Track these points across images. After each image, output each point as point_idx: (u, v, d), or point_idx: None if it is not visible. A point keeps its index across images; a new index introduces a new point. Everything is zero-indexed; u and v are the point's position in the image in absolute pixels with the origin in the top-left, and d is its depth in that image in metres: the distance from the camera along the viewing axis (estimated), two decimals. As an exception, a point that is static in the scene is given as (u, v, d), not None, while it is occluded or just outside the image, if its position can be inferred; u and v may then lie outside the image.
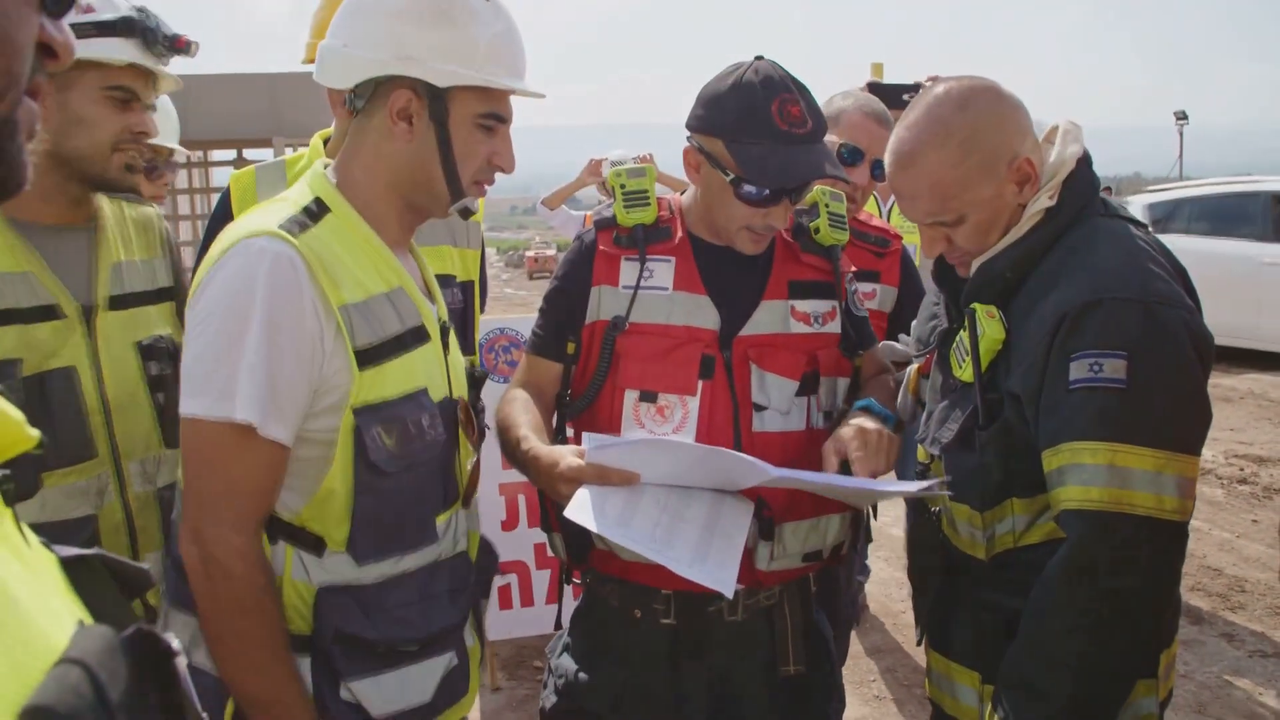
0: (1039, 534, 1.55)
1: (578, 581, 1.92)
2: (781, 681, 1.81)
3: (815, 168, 1.65)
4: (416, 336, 1.49)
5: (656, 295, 1.75)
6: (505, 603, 3.54)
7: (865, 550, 4.00)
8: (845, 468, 1.62)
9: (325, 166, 1.54)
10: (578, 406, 1.80)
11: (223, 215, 2.17)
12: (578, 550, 1.80)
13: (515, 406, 1.75)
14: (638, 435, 1.70)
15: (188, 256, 2.61)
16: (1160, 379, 1.42)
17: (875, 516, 2.49)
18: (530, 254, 34.25)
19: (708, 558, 1.49)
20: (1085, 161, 1.60)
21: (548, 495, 1.67)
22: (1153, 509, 1.40)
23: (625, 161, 5.04)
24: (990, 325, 1.55)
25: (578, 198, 5.77)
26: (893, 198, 2.29)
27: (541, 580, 3.58)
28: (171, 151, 3.22)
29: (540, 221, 7.49)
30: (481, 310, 2.46)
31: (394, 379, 1.44)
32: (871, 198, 3.51)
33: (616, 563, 1.74)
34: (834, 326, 1.82)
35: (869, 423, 1.66)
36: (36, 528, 1.78)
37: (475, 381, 1.71)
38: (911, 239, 2.82)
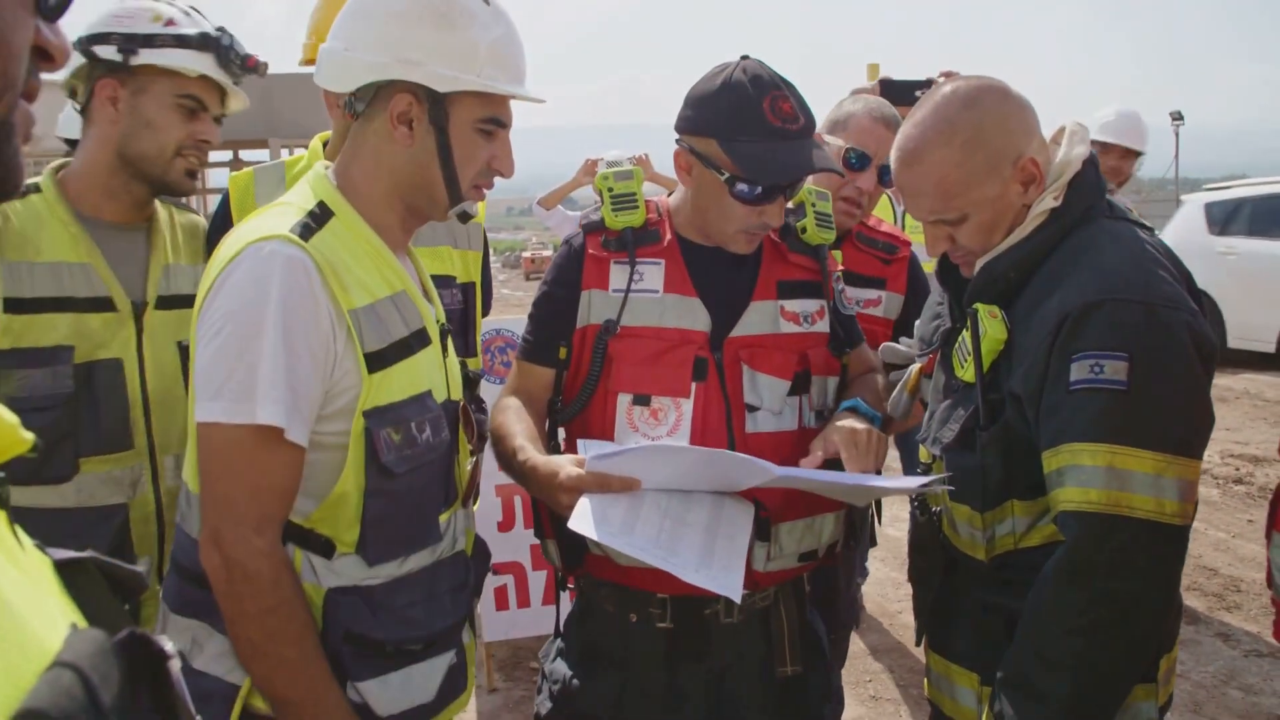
0: (1040, 536, 1.55)
1: (572, 587, 1.92)
2: (778, 682, 1.81)
3: (809, 163, 1.66)
4: (420, 339, 1.50)
5: (647, 298, 1.75)
6: (502, 604, 3.53)
7: (865, 553, 4.00)
8: (833, 466, 1.62)
9: (326, 169, 1.54)
10: (570, 412, 1.79)
11: (222, 217, 2.19)
12: (572, 556, 1.79)
13: (508, 415, 1.75)
14: (633, 440, 1.70)
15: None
16: (1162, 381, 1.41)
17: (880, 521, 2.48)
18: (527, 255, 34.22)
19: (712, 562, 1.48)
20: (1091, 163, 1.60)
21: (547, 505, 1.67)
22: (1153, 512, 1.39)
23: (621, 163, 5.04)
24: (992, 325, 1.55)
25: (574, 198, 5.77)
26: None
27: (538, 581, 3.57)
28: None
29: (537, 223, 7.49)
30: (485, 312, 2.46)
31: (401, 382, 1.45)
32: (886, 200, 3.49)
33: (611, 568, 1.74)
34: (823, 325, 1.83)
35: (858, 423, 1.66)
36: (70, 512, 1.73)
37: (470, 382, 1.72)
38: (920, 238, 2.80)
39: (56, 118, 3.16)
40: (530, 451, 1.64)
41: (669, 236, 1.79)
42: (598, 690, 1.79)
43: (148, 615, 1.89)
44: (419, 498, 1.49)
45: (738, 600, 1.48)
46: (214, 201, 2.61)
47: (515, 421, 1.73)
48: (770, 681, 1.80)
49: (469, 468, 1.66)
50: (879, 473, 1.76)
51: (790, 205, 1.83)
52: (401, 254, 1.58)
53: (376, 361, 1.41)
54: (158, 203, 2.00)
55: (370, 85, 1.46)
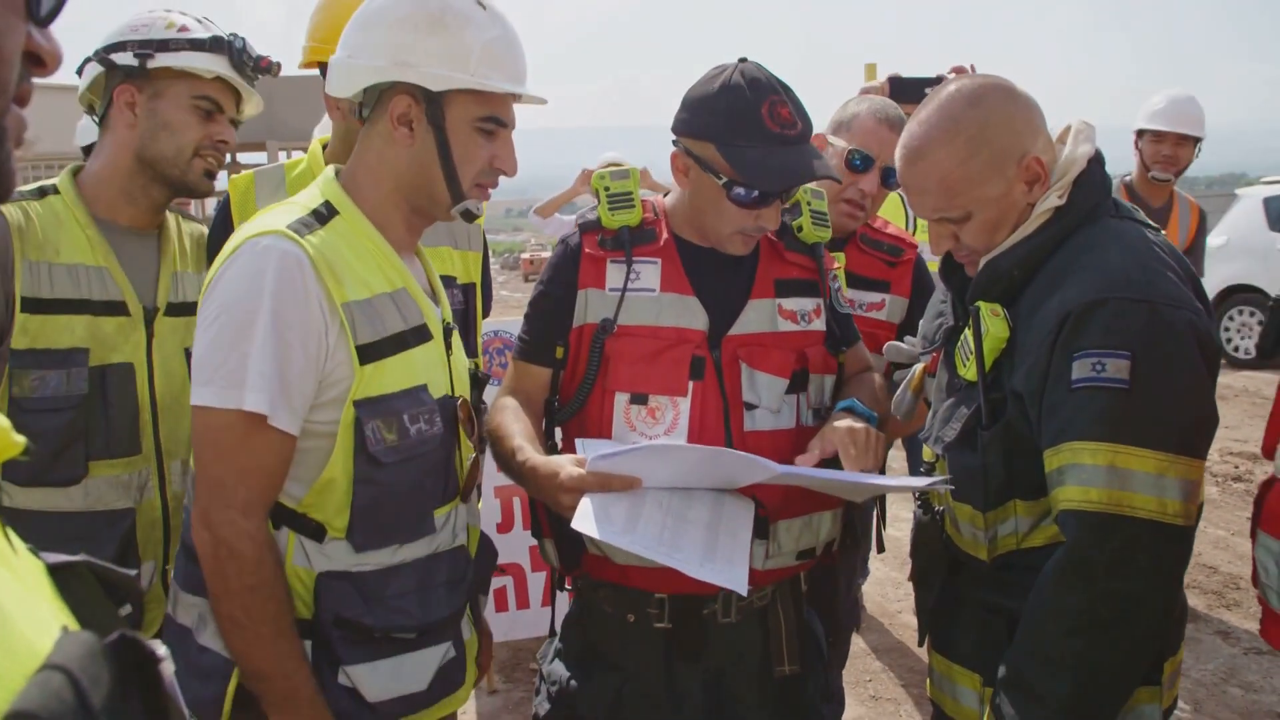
0: (1042, 536, 1.54)
1: (570, 588, 1.91)
2: (776, 682, 1.81)
3: (809, 170, 1.66)
4: (418, 335, 1.55)
5: (644, 297, 1.75)
6: (501, 605, 3.53)
7: (867, 555, 3.99)
8: (831, 465, 1.62)
9: (336, 172, 1.60)
10: (567, 411, 1.79)
11: (223, 220, 2.20)
12: (570, 556, 1.79)
13: (506, 415, 1.75)
14: (631, 439, 1.70)
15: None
16: (1164, 380, 1.41)
17: (885, 524, 2.48)
18: (525, 256, 34.18)
19: (716, 557, 1.50)
20: (1097, 161, 1.59)
21: (548, 506, 1.67)
22: (1155, 512, 1.39)
23: (621, 164, 5.03)
24: (994, 324, 1.55)
25: (574, 203, 5.77)
26: None
27: (537, 582, 3.58)
28: None
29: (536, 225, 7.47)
30: (485, 313, 2.47)
31: (394, 374, 1.50)
32: (898, 202, 3.46)
33: (609, 568, 1.74)
34: (820, 324, 1.83)
35: (855, 422, 1.66)
36: (79, 516, 1.77)
37: (477, 383, 1.76)
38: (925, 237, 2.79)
39: (55, 123, 3.17)
40: (529, 452, 1.64)
41: (665, 236, 1.79)
42: (596, 691, 1.79)
43: (151, 619, 1.90)
44: (410, 489, 1.53)
45: (744, 593, 1.49)
46: (213, 204, 2.62)
47: (513, 422, 1.73)
48: (768, 681, 1.80)
49: (469, 463, 1.68)
50: (882, 472, 1.76)
51: (786, 205, 1.83)
52: (408, 254, 1.64)
53: (369, 353, 1.47)
54: (167, 210, 2.04)
55: (373, 90, 1.54)
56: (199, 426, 1.45)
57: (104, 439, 1.83)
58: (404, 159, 1.54)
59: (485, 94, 1.52)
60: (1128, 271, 1.46)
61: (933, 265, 2.03)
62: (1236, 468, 6.40)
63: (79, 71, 1.99)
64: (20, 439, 0.55)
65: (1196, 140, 4.06)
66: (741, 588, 1.47)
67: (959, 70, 2.72)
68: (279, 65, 2.05)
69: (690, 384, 1.71)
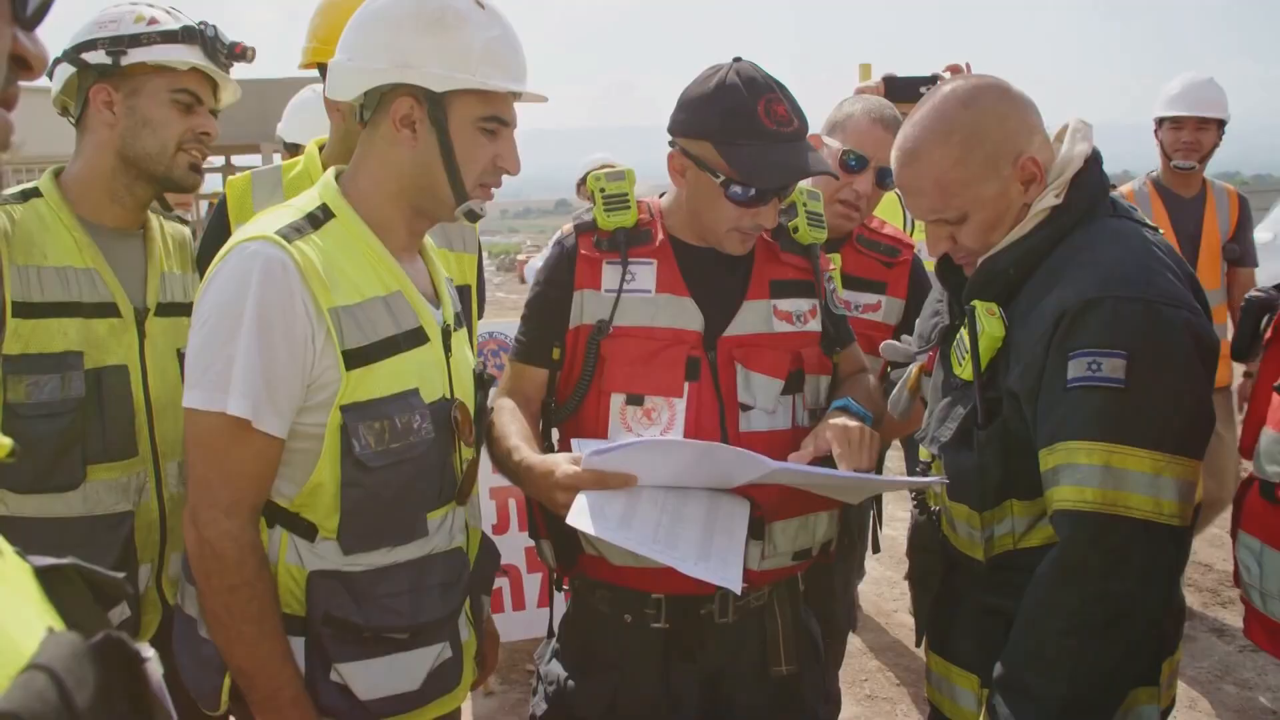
0: (1040, 537, 1.54)
1: (567, 588, 1.92)
2: (773, 682, 1.81)
3: (805, 166, 1.67)
4: (412, 339, 1.54)
5: (640, 298, 1.75)
6: (497, 606, 3.53)
7: (863, 556, 3.98)
8: (825, 464, 1.62)
9: (337, 175, 1.60)
10: (564, 412, 1.79)
11: (220, 222, 2.19)
12: (566, 556, 1.79)
13: (503, 416, 1.75)
14: (631, 438, 1.70)
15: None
16: (1160, 379, 1.40)
17: (881, 524, 2.47)
18: (521, 258, 34.18)
19: (711, 555, 1.50)
20: (1095, 160, 1.59)
21: (544, 504, 1.67)
22: (1150, 512, 1.38)
23: (615, 165, 5.03)
24: (990, 323, 1.54)
25: (571, 205, 5.76)
26: None
27: (533, 584, 3.58)
28: None
29: (532, 225, 7.48)
30: (480, 315, 2.47)
31: (383, 379, 1.49)
32: (895, 200, 3.46)
33: (606, 568, 1.74)
34: (815, 325, 1.83)
35: (850, 420, 1.66)
36: (78, 521, 1.78)
37: (482, 384, 1.75)
38: (922, 237, 2.77)
39: (38, 124, 3.16)
40: (525, 451, 1.64)
41: (661, 237, 1.80)
42: (593, 691, 1.79)
43: (148, 622, 1.90)
44: (399, 492, 1.52)
45: (738, 592, 1.49)
46: (203, 206, 2.61)
47: (510, 422, 1.73)
48: (765, 681, 1.81)
49: (466, 466, 1.67)
50: (878, 472, 1.76)
51: (782, 205, 1.84)
52: (411, 256, 1.64)
53: (356, 358, 1.47)
54: (150, 213, 2.02)
55: (374, 92, 1.53)
56: (189, 428, 1.47)
57: (101, 442, 1.82)
58: (407, 161, 1.54)
59: (487, 93, 1.53)
60: (1125, 270, 1.46)
61: (929, 263, 2.03)
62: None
63: (49, 74, 1.94)
64: (6, 440, 0.55)
65: (1219, 123, 3.88)
66: (736, 586, 1.47)
67: (954, 69, 2.70)
68: (253, 50, 2.03)
69: (685, 385, 1.72)
